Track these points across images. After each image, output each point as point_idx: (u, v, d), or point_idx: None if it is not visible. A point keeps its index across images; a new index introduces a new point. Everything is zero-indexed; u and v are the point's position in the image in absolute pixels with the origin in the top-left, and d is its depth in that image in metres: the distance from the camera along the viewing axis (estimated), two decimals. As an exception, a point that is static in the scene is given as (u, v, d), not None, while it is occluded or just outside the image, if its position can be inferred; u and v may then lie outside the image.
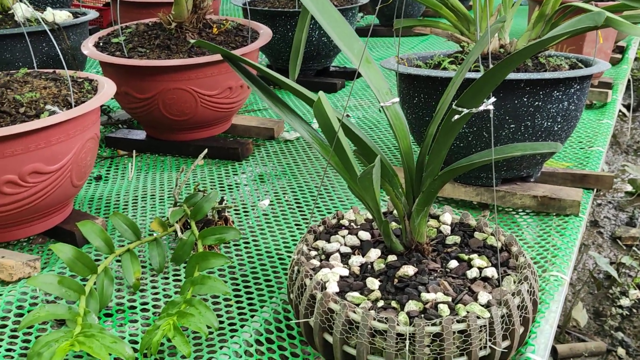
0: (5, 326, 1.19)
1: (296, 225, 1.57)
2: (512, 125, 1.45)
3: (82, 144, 1.37)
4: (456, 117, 0.92)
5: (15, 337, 1.16)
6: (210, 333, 1.16)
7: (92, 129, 1.41)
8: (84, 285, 1.17)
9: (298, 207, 1.67)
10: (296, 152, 2.04)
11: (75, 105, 1.37)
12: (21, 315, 1.23)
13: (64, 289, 1.14)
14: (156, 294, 1.30)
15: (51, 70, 1.58)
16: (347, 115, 2.34)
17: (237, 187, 1.80)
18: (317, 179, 1.84)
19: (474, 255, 1.10)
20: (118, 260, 1.39)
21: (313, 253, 1.13)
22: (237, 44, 1.95)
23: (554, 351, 2.06)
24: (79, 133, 1.35)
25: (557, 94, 1.43)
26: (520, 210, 1.60)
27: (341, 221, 1.24)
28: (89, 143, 1.40)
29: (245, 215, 1.63)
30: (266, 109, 2.45)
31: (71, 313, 1.09)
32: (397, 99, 1.09)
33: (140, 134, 2.07)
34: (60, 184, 1.36)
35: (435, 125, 1.02)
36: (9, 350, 1.12)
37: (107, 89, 1.47)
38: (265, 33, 2.03)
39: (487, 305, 0.97)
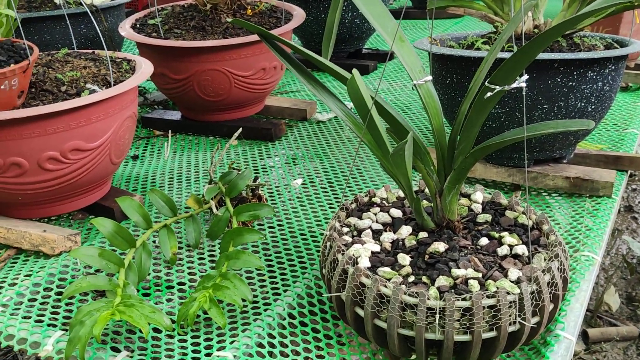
0: (48, 297, 1.24)
1: (328, 204, 1.60)
2: (545, 106, 1.44)
3: (120, 122, 1.41)
4: (488, 94, 0.92)
5: (58, 307, 1.21)
6: (245, 306, 1.19)
7: (130, 108, 1.45)
8: (123, 258, 1.21)
9: (330, 186, 1.69)
10: (328, 133, 2.06)
11: (114, 84, 1.41)
12: (63, 287, 1.28)
13: (104, 261, 1.18)
14: (192, 268, 1.33)
15: (90, 51, 1.61)
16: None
17: (270, 166, 1.83)
18: (349, 159, 1.85)
19: (505, 233, 1.11)
20: (155, 236, 1.43)
21: (345, 229, 1.15)
22: (271, 25, 1.96)
23: (584, 335, 2.06)
24: (118, 111, 1.39)
25: (592, 74, 1.43)
26: (552, 191, 1.60)
27: (373, 199, 1.26)
28: (127, 121, 1.44)
29: (278, 194, 1.65)
30: (299, 91, 2.46)
31: (111, 284, 1.13)
32: (430, 77, 1.10)
33: (175, 115, 2.11)
34: (100, 161, 1.40)
35: (468, 103, 1.02)
36: (52, 319, 1.17)
37: (145, 68, 1.50)
38: (299, 14, 2.05)
39: (517, 282, 0.98)
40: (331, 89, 1.16)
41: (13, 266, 1.35)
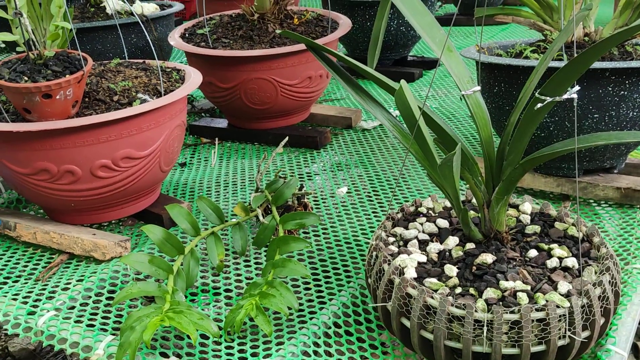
0: (99, 301, 1.27)
1: (373, 212, 1.60)
2: (595, 115, 1.42)
3: (170, 130, 1.44)
4: (539, 105, 0.91)
5: (109, 311, 1.24)
6: (291, 314, 1.20)
7: (180, 117, 1.48)
8: (172, 265, 1.23)
9: (375, 194, 1.69)
10: (373, 141, 2.06)
11: (164, 94, 1.43)
12: (113, 292, 1.31)
13: (154, 267, 1.20)
14: (238, 275, 1.35)
15: (141, 61, 1.65)
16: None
17: (315, 174, 1.84)
18: (393, 167, 1.85)
19: (554, 245, 1.09)
20: (203, 242, 1.45)
21: (391, 239, 1.15)
22: (318, 34, 1.98)
23: (635, 349, 2.01)
24: (168, 120, 1.42)
25: (645, 83, 1.40)
26: (602, 201, 1.57)
27: (419, 209, 1.25)
28: (176, 130, 1.47)
29: (323, 202, 1.66)
30: (344, 99, 2.47)
31: (160, 291, 1.16)
32: (479, 88, 1.09)
33: (222, 122, 2.14)
34: (150, 168, 1.43)
35: (517, 113, 1.01)
36: (103, 324, 1.20)
37: (194, 78, 1.53)
38: (345, 23, 2.06)
39: (567, 295, 0.96)
40: (375, 96, 1.16)
41: (65, 271, 1.38)
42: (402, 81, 0.97)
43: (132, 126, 1.34)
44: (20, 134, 1.29)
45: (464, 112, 2.25)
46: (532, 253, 1.07)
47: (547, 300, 0.94)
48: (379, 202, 1.65)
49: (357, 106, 2.33)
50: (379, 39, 1.89)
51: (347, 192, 1.71)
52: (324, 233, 1.50)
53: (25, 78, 1.29)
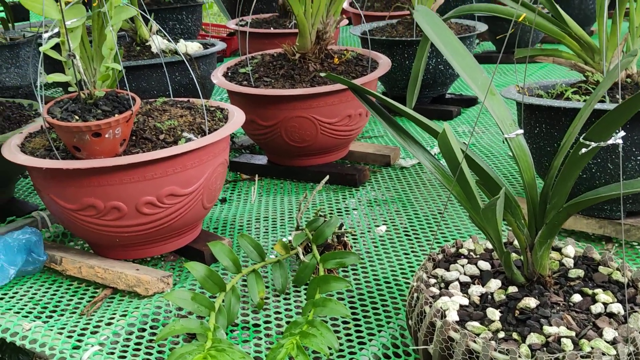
0: (142, 337, 1.29)
1: (412, 250, 1.60)
2: (639, 157, 1.41)
3: (213, 168, 1.47)
4: (583, 150, 0.92)
5: (152, 347, 1.25)
6: (331, 354, 1.20)
7: (223, 155, 1.51)
8: (214, 301, 1.24)
9: (414, 233, 1.69)
10: (411, 178, 2.07)
11: (208, 133, 1.47)
12: (155, 327, 1.32)
13: (197, 304, 1.22)
14: (278, 312, 1.36)
15: (185, 99, 1.69)
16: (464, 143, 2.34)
17: (353, 211, 1.85)
18: (432, 205, 1.85)
19: (599, 290, 1.08)
20: (243, 280, 1.47)
21: (432, 281, 1.15)
22: (357, 73, 2.00)
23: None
24: (211, 159, 1.45)
25: (690, 125, 1.38)
26: (647, 244, 1.55)
27: (460, 250, 1.25)
28: (219, 168, 1.50)
29: (362, 239, 1.67)
30: (382, 136, 2.49)
31: (202, 328, 1.17)
32: (521, 131, 1.10)
33: (261, 159, 2.17)
34: (193, 205, 1.46)
35: (561, 158, 1.02)
36: (146, 359, 1.21)
37: (237, 117, 1.56)
38: (384, 63, 2.08)
39: (613, 342, 0.95)
40: (412, 132, 1.18)
41: (109, 305, 1.41)
42: (445, 124, 0.98)
43: (177, 164, 1.37)
44: (69, 171, 1.33)
45: (502, 150, 2.25)
46: (576, 298, 1.06)
47: (592, 347, 0.93)
48: (417, 241, 1.65)
49: (395, 144, 2.34)
50: (419, 79, 1.91)
51: (386, 230, 1.71)
52: (363, 271, 1.51)
53: (77, 117, 1.33)
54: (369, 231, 1.72)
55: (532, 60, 3.61)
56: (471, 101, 2.80)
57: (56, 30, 1.33)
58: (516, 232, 1.09)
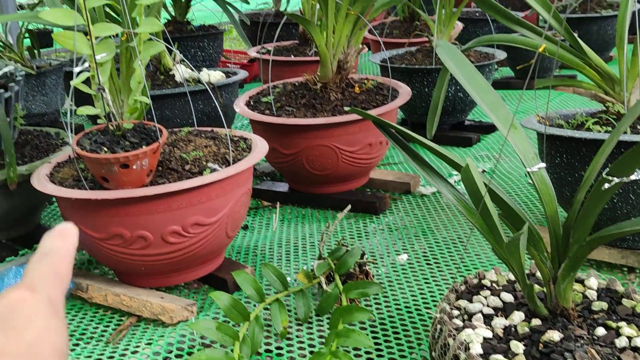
0: (167, 365, 1.31)
1: (433, 279, 1.60)
2: (661, 188, 1.41)
3: (237, 198, 1.49)
4: (606, 185, 0.93)
5: (176, 376, 1.27)
6: (354, 385, 1.21)
7: (246, 185, 1.53)
8: (238, 331, 1.26)
9: (435, 261, 1.70)
10: (432, 206, 2.08)
11: (232, 163, 1.49)
12: (180, 356, 1.34)
13: (221, 334, 1.23)
14: (301, 342, 1.37)
15: (209, 129, 1.72)
16: (484, 171, 2.35)
17: (374, 239, 1.86)
18: (452, 233, 1.86)
19: (623, 323, 1.08)
20: (266, 308, 1.48)
21: (455, 312, 1.16)
22: (378, 102, 2.03)
23: None
24: (235, 188, 1.47)
25: None
26: (670, 275, 1.54)
27: (482, 281, 1.26)
28: (243, 197, 1.52)
29: (384, 266, 1.68)
30: (402, 163, 2.50)
31: (227, 358, 1.18)
32: (544, 165, 1.11)
33: (283, 186, 2.19)
34: (217, 234, 1.48)
35: (584, 192, 1.03)
36: (171, 388, 1.23)
37: (260, 147, 1.59)
38: (405, 92, 2.11)
39: (638, 377, 0.95)
40: (430, 158, 1.19)
41: (134, 334, 1.43)
42: (469, 159, 0.99)
43: (202, 194, 1.40)
44: (98, 201, 1.36)
45: (522, 178, 2.25)
46: (600, 331, 1.06)
47: (617, 382, 0.93)
48: (438, 268, 1.66)
49: (414, 171, 2.36)
50: (439, 108, 1.93)
51: (407, 259, 1.72)
52: (384, 301, 1.52)
53: (105, 149, 1.36)
54: (389, 257, 1.73)
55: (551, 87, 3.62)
56: (490, 128, 2.81)
57: (86, 64, 1.36)
58: (539, 265, 1.10)
